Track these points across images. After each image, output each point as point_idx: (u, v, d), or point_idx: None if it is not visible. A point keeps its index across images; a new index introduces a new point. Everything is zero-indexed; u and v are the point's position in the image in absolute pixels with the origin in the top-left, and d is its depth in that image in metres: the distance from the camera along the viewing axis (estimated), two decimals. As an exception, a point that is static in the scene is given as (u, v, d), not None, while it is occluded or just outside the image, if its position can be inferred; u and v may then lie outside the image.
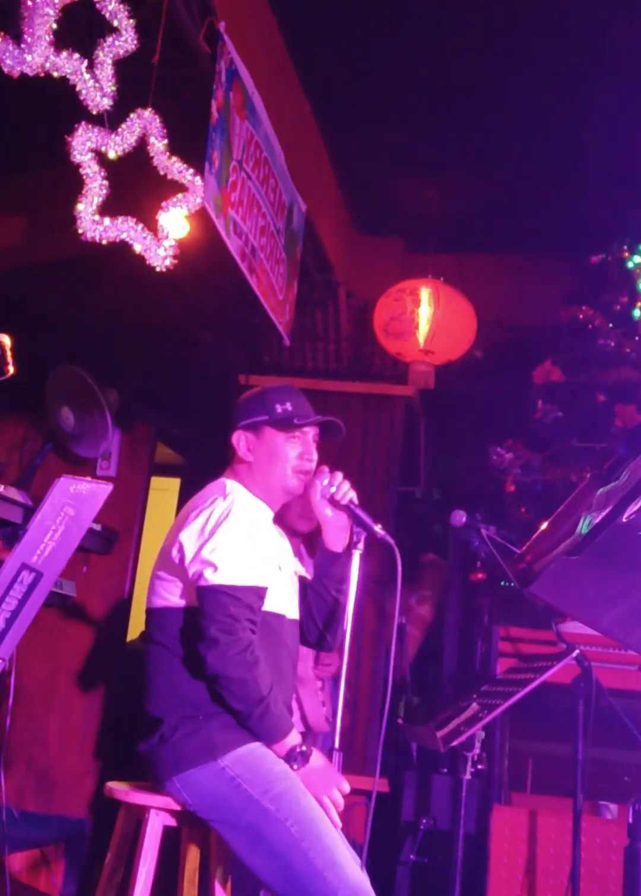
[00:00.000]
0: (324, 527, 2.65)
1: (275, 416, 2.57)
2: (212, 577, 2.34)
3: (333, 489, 2.57)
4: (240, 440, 2.58)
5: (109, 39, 2.78)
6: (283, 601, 2.51)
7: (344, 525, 2.62)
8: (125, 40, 2.78)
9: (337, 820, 2.38)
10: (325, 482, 2.58)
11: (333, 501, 2.59)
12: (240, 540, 2.39)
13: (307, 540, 3.60)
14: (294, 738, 2.36)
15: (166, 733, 2.35)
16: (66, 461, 4.72)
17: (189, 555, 2.39)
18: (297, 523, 3.41)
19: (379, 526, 2.56)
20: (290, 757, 2.34)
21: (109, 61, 2.76)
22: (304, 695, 3.47)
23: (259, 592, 2.40)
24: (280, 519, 3.20)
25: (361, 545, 2.56)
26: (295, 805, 2.28)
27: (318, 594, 2.67)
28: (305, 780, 2.34)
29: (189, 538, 2.41)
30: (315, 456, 2.63)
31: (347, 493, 2.57)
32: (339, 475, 2.60)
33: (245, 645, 2.30)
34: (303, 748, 2.36)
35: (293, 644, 2.56)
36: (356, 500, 2.59)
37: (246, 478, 2.58)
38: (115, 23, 2.78)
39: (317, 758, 2.38)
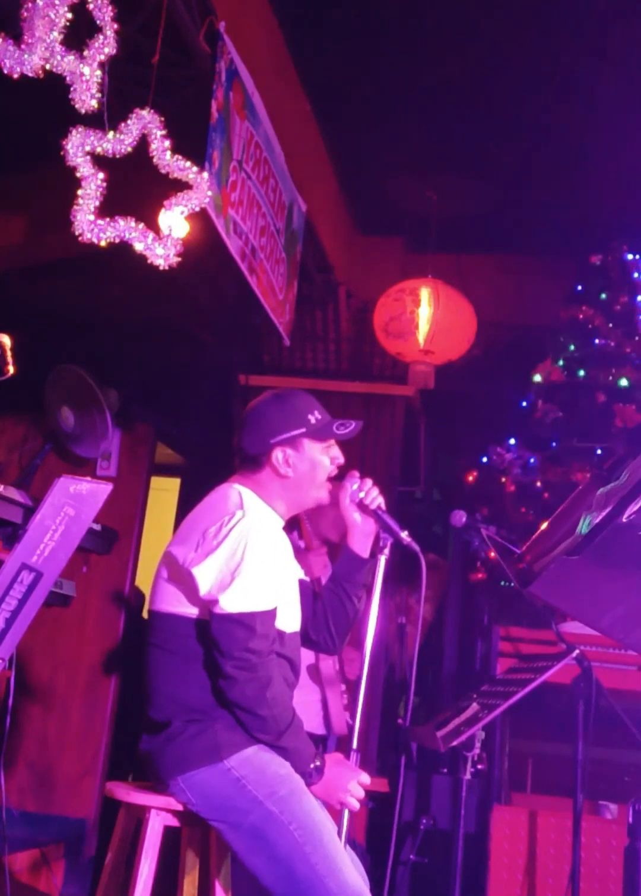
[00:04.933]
0: (352, 531, 2.63)
1: (311, 428, 2.55)
2: (226, 605, 2.29)
3: (362, 494, 2.58)
4: (280, 456, 2.52)
5: (96, 41, 2.77)
6: (286, 617, 2.48)
7: (371, 531, 2.61)
8: (107, 42, 2.77)
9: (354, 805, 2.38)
10: (355, 487, 2.59)
11: (362, 506, 2.59)
12: (256, 563, 2.34)
13: (332, 551, 3.58)
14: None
15: (172, 733, 2.33)
16: (66, 461, 4.72)
17: (203, 576, 2.33)
18: (330, 532, 3.42)
19: (406, 532, 2.56)
20: (306, 778, 2.34)
21: (95, 63, 2.76)
22: (330, 696, 3.42)
23: (273, 616, 2.38)
24: (315, 529, 3.28)
25: (387, 551, 2.56)
26: (299, 809, 2.27)
27: (338, 598, 2.64)
28: (322, 788, 2.35)
29: (202, 557, 2.34)
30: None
31: (376, 499, 2.58)
32: (369, 481, 2.60)
33: (264, 682, 2.28)
34: (317, 764, 2.36)
35: (296, 657, 2.53)
36: (384, 506, 2.59)
37: (266, 488, 2.53)
38: (99, 23, 2.78)
39: (328, 765, 2.38)
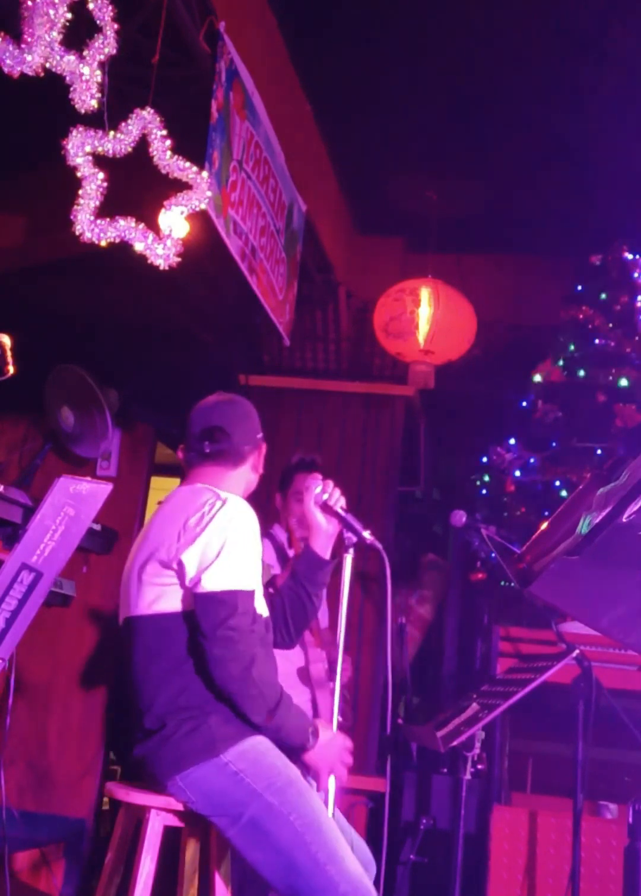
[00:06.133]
0: (315, 532, 2.72)
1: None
2: (207, 583, 2.33)
3: (326, 496, 2.68)
4: (256, 453, 2.67)
5: (96, 41, 2.78)
6: (260, 603, 2.52)
7: (334, 532, 2.71)
8: (107, 42, 2.77)
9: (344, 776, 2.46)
10: (319, 489, 2.69)
11: (325, 508, 2.69)
12: (238, 545, 2.39)
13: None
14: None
15: (166, 735, 2.34)
16: (66, 461, 4.72)
17: (189, 559, 2.36)
18: (299, 530, 3.48)
19: (369, 532, 2.66)
20: (304, 742, 2.40)
21: (95, 63, 2.76)
22: (320, 697, 3.46)
23: (253, 597, 2.41)
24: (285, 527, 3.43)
25: (352, 550, 2.67)
26: (297, 798, 2.29)
27: (297, 596, 2.70)
28: (318, 753, 2.41)
29: (188, 543, 2.38)
30: None
31: (339, 500, 2.69)
32: (331, 483, 2.71)
33: (247, 659, 2.30)
34: (312, 728, 2.42)
35: (270, 639, 2.59)
36: (346, 507, 2.70)
37: (235, 486, 2.60)
38: (99, 23, 2.78)
39: (322, 732, 2.45)
